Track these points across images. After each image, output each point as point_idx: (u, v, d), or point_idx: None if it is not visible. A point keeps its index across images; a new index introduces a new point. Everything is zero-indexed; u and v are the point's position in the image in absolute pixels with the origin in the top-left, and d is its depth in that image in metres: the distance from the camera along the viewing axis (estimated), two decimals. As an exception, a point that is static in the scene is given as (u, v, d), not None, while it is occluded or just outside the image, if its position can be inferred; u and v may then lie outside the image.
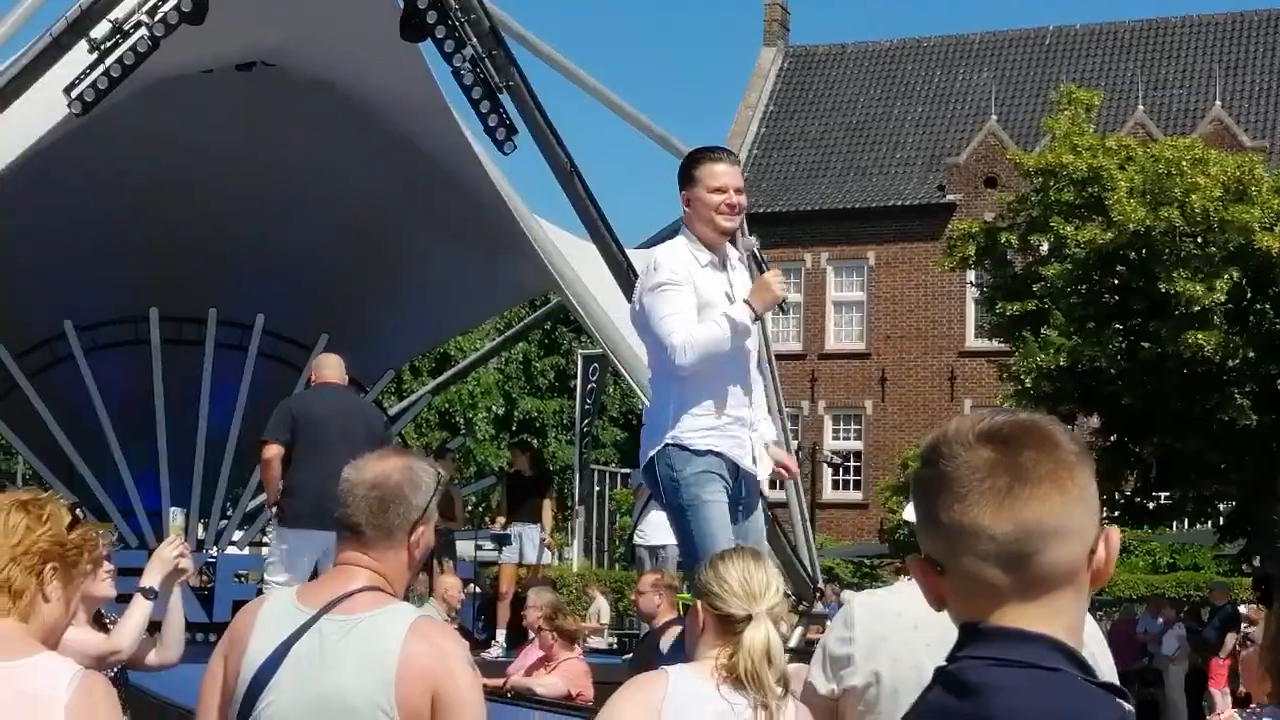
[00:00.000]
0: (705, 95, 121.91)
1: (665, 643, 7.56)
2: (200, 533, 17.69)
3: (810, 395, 41.86)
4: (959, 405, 40.25)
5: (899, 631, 3.62)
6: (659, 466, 5.85)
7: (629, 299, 12.93)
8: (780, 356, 37.78)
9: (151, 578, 5.55)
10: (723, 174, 6.07)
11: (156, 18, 10.79)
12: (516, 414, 45.40)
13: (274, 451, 9.56)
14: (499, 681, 10.66)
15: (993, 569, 1.80)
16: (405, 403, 23.29)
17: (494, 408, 44.68)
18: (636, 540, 15.92)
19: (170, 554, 5.57)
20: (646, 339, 6.01)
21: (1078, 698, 1.75)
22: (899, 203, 42.03)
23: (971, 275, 32.75)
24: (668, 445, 5.82)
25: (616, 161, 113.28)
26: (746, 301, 5.88)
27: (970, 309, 39.75)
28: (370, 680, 3.26)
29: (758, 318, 5.92)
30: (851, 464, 41.16)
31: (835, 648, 3.73)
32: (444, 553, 14.76)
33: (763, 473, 6.07)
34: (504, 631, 14.67)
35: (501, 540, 15.26)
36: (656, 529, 15.73)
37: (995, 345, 31.46)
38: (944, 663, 1.83)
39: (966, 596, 1.84)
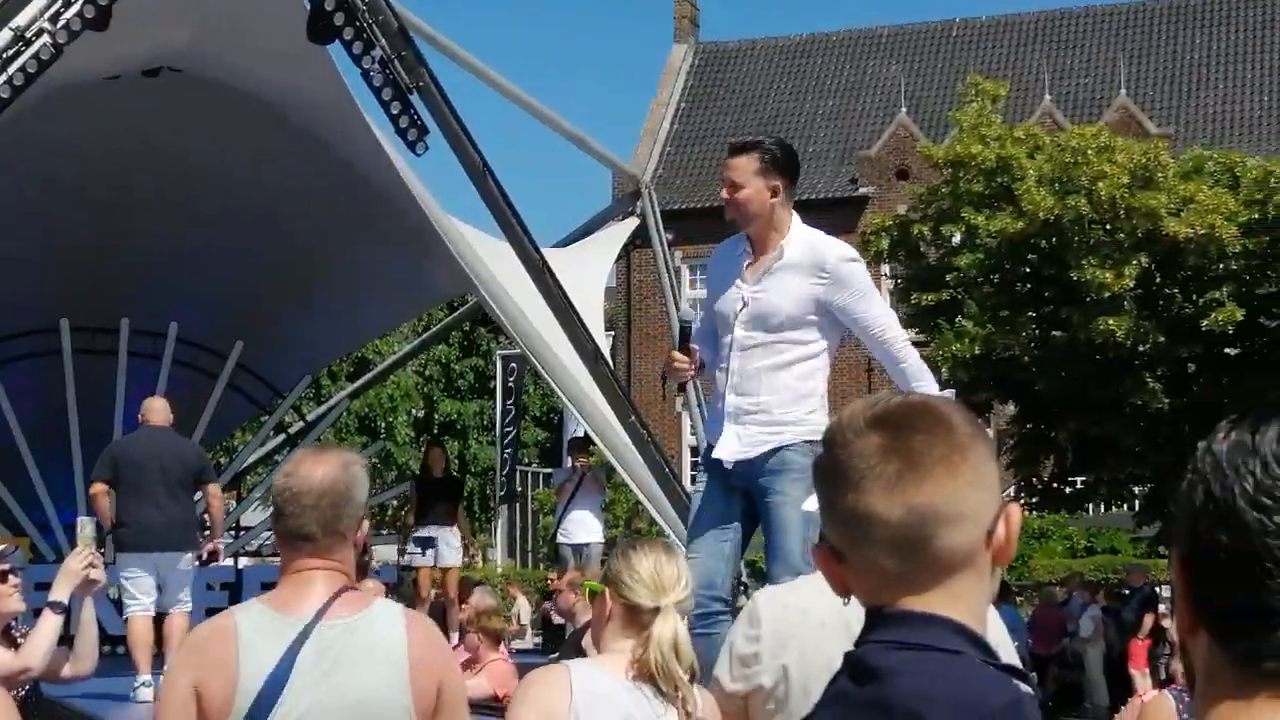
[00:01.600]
0: (618, 93, 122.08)
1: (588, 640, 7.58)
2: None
3: (729, 390, 41.93)
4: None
5: (805, 628, 3.60)
6: None
7: (545, 297, 12.96)
8: (698, 352, 37.87)
9: (60, 591, 5.47)
10: (725, 167, 6.15)
11: (59, 24, 10.67)
12: (437, 416, 45.25)
13: (98, 489, 10.83)
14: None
15: (889, 556, 1.79)
16: (324, 408, 23.14)
17: (414, 410, 44.49)
18: (560, 539, 15.94)
19: (77, 566, 5.49)
20: None
21: (977, 679, 1.74)
22: (813, 196, 42.17)
23: (886, 268, 32.98)
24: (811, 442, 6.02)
25: (530, 161, 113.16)
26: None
27: (887, 300, 39.96)
28: (387, 678, 3.26)
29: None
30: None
31: (742, 646, 3.70)
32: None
33: (724, 453, 6.03)
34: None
35: (425, 543, 15.21)
36: (579, 527, 15.78)
37: (912, 335, 31.66)
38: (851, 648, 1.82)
39: (868, 583, 1.83)
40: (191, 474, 11.06)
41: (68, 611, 5.51)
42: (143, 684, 10.19)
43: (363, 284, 17.79)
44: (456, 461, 44.54)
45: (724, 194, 6.08)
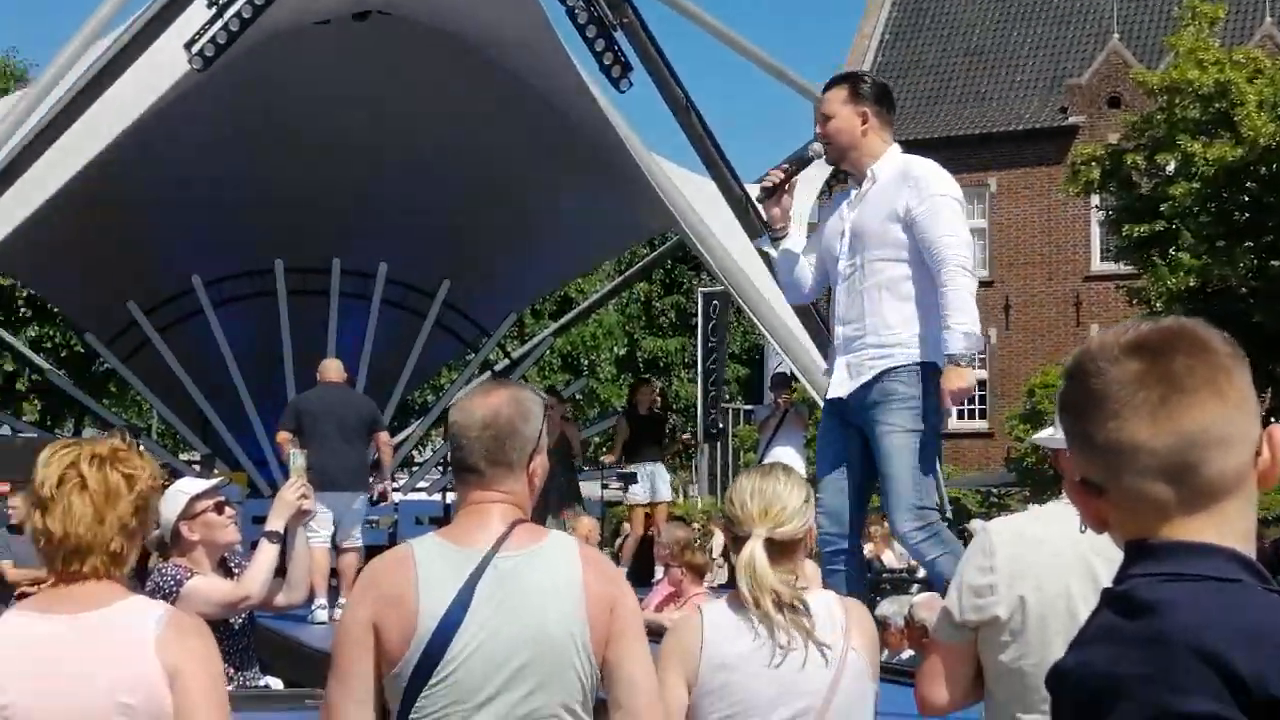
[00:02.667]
0: (821, 26, 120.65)
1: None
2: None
3: (933, 325, 41.46)
4: (1085, 331, 39.66)
5: (1042, 558, 3.56)
6: None
7: (749, 234, 12.87)
8: (902, 287, 37.48)
9: (275, 521, 5.61)
10: (818, 105, 6.21)
11: (271, -30, 10.85)
12: (639, 354, 45.48)
13: (283, 437, 11.96)
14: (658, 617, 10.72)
15: (1157, 484, 1.72)
16: (528, 346, 23.39)
17: (616, 348, 44.79)
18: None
19: (291, 496, 5.63)
20: None
21: (1263, 608, 1.65)
22: (1019, 127, 41.35)
23: (1096, 199, 32.20)
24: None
25: (733, 96, 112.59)
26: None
27: (1095, 233, 39.10)
28: (565, 609, 3.26)
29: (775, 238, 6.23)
30: (976, 393, 40.75)
31: (974, 577, 3.65)
32: (570, 495, 14.85)
33: (837, 391, 6.00)
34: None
35: (628, 478, 15.31)
36: (784, 459, 15.73)
37: (1122, 269, 30.98)
38: (1110, 585, 1.75)
39: (1131, 515, 1.75)
40: (365, 423, 12.23)
41: (283, 540, 5.64)
42: (319, 606, 10.85)
43: (566, 222, 17.91)
44: (659, 398, 44.80)
45: (816, 129, 6.12)
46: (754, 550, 3.76)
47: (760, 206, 6.33)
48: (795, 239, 6.24)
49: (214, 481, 5.95)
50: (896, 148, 6.14)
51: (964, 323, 5.73)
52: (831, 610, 3.82)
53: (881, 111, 6.08)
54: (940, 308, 5.77)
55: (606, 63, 11.66)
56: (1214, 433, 1.72)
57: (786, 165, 6.15)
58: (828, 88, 6.18)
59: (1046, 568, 3.52)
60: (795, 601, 3.73)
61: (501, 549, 3.29)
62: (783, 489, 3.87)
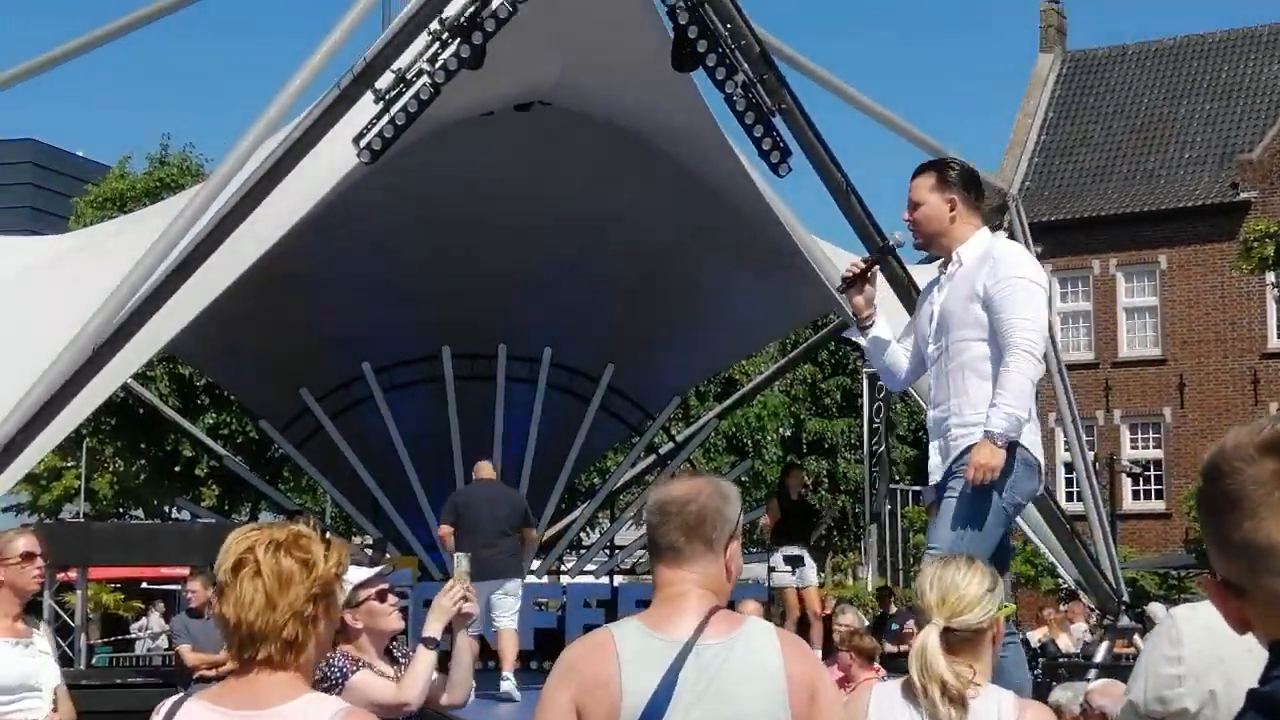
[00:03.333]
0: (983, 106, 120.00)
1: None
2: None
3: (1105, 404, 40.73)
4: (1264, 409, 38.66)
5: (1234, 650, 3.46)
6: None
7: (910, 315, 12.82)
8: (1071, 366, 36.86)
9: (433, 626, 5.56)
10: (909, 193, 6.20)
11: (437, 65, 11.10)
12: (805, 435, 45.30)
13: (444, 531, 13.33)
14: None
15: None
16: (693, 428, 23.44)
17: (781, 429, 44.65)
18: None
19: (448, 602, 5.57)
20: None
21: None
22: (1190, 203, 40.67)
23: (1271, 275, 31.47)
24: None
25: (891, 178, 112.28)
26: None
27: (1271, 309, 38.24)
28: (768, 696, 3.27)
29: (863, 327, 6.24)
30: (1152, 473, 39.89)
31: (1162, 667, 3.58)
32: None
33: (934, 478, 5.98)
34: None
35: (795, 562, 15.26)
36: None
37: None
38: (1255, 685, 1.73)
39: (1272, 616, 1.74)
40: (519, 516, 13.57)
41: (437, 644, 5.58)
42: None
43: (729, 305, 17.97)
44: (825, 479, 44.53)
45: (904, 215, 6.13)
46: (926, 639, 3.77)
47: (841, 298, 6.34)
48: (883, 327, 6.24)
49: (377, 569, 6.01)
50: (985, 231, 6.15)
51: (1011, 404, 5.71)
52: (1002, 708, 3.77)
53: (969, 198, 6.10)
54: (996, 386, 5.78)
55: (765, 148, 11.72)
56: None
57: (867, 256, 6.21)
58: (916, 175, 6.21)
59: (1237, 661, 3.37)
60: (961, 694, 3.71)
61: (702, 636, 3.30)
62: (961, 578, 3.86)
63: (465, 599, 5.60)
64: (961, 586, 3.83)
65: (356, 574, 5.91)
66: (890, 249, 6.24)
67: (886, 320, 6.28)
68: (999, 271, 5.89)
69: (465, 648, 5.92)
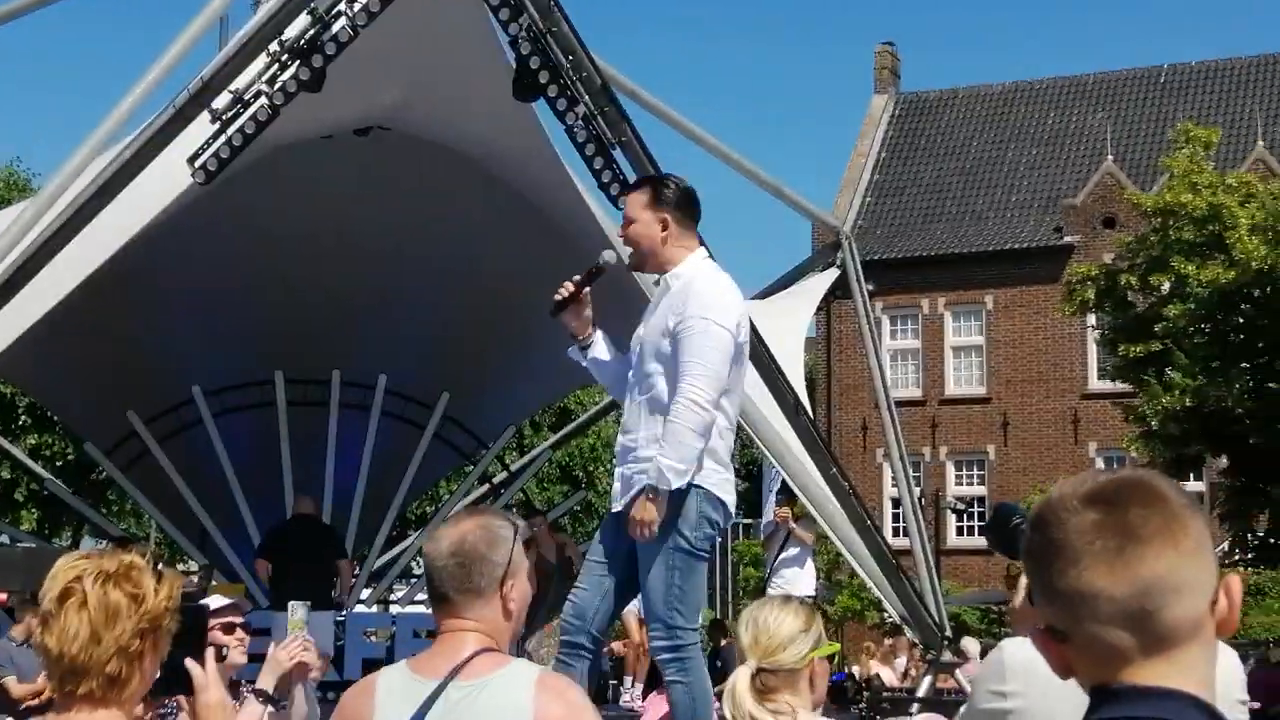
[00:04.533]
0: (817, 144, 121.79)
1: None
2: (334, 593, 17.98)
3: (931, 441, 41.50)
4: (1083, 448, 39.70)
5: (1060, 683, 3.51)
6: None
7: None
8: (900, 403, 37.47)
9: (266, 679, 5.35)
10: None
11: (275, 87, 11.00)
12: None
13: (262, 565, 14.82)
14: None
15: (1116, 631, 1.78)
16: (527, 458, 23.40)
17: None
18: (770, 591, 15.84)
19: (284, 656, 5.37)
20: None
21: None
22: (1016, 245, 41.68)
23: (1092, 318, 32.38)
24: None
25: (730, 213, 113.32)
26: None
27: (1092, 351, 39.27)
28: None
29: (583, 347, 6.14)
30: (975, 509, 40.72)
31: (987, 701, 3.61)
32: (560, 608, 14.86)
33: (617, 505, 5.90)
34: (635, 680, 14.81)
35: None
36: (792, 580, 15.66)
37: (1119, 387, 31.06)
38: None
39: (1094, 661, 1.81)
40: (332, 549, 14.96)
41: (273, 701, 5.37)
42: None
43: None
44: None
45: (619, 231, 6.05)
46: (735, 679, 3.86)
47: (558, 318, 6.14)
48: (600, 347, 6.14)
49: (229, 601, 5.89)
50: (699, 256, 5.97)
51: (670, 459, 5.60)
52: None
53: (683, 218, 5.94)
54: (665, 435, 5.66)
55: (605, 180, 11.76)
56: (1170, 580, 1.77)
57: (578, 276, 6.05)
58: (630, 190, 6.09)
59: (1062, 692, 3.44)
60: None
61: (458, 678, 3.33)
62: (773, 619, 3.92)
63: (305, 649, 5.42)
64: (773, 627, 3.89)
65: (213, 600, 5.82)
66: (599, 269, 6.10)
67: (604, 338, 6.18)
68: (686, 309, 5.73)
69: (301, 707, 5.71)
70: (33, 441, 30.35)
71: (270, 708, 5.37)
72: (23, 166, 36.22)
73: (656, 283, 6.01)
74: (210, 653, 3.20)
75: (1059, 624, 1.82)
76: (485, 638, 3.42)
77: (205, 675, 3.16)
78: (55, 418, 26.20)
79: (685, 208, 5.97)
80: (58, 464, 29.82)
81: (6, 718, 11.17)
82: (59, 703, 2.98)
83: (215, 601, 5.76)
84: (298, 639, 5.45)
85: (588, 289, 6.07)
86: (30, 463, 24.12)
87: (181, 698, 5.38)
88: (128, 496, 21.79)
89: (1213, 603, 1.80)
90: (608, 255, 6.11)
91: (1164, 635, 1.77)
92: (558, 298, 6.09)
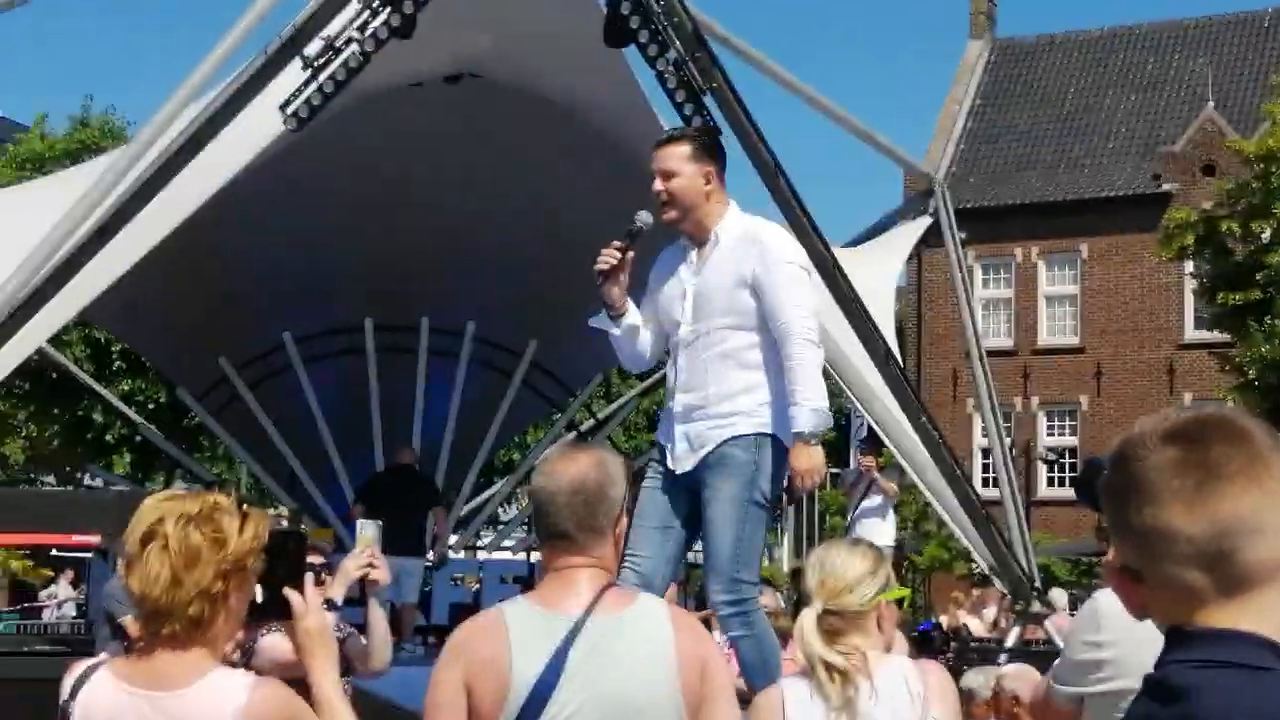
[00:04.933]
0: (911, 91, 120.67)
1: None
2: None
3: (1023, 391, 41.13)
4: (1178, 399, 39.19)
5: (1154, 632, 3.48)
6: None
7: (836, 297, 12.86)
8: (991, 352, 37.13)
9: (335, 590, 5.48)
10: (653, 159, 5.90)
11: (367, 33, 10.98)
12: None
13: (355, 511, 14.51)
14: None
15: (1191, 571, 1.74)
16: (614, 405, 23.43)
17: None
18: (851, 541, 15.79)
19: (352, 566, 5.49)
20: None
21: None
22: (1112, 193, 41.09)
23: (1189, 266, 31.87)
24: None
25: (821, 158, 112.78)
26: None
27: (1189, 300, 38.70)
28: (656, 673, 3.27)
29: (615, 317, 5.94)
30: (1067, 460, 40.36)
31: (1082, 652, 3.63)
32: None
33: (681, 466, 5.75)
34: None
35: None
36: (869, 529, 15.59)
37: (1216, 336, 30.61)
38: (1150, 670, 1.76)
39: (1168, 602, 1.77)
40: (428, 498, 15.27)
41: (337, 608, 5.47)
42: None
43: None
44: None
45: (656, 185, 5.84)
46: (802, 622, 3.83)
47: (601, 289, 5.96)
48: (634, 312, 6.04)
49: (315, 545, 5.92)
50: (735, 206, 5.92)
51: (811, 398, 5.53)
52: (908, 679, 3.80)
53: (722, 171, 5.90)
54: (788, 382, 5.57)
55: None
56: (1250, 521, 1.72)
57: (618, 243, 5.92)
58: (667, 143, 5.93)
59: (1157, 643, 3.43)
60: (847, 671, 3.74)
61: (593, 613, 3.30)
62: (841, 561, 3.90)
63: (372, 565, 5.52)
64: (840, 569, 3.87)
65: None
66: (639, 231, 5.99)
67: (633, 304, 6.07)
68: (768, 257, 5.68)
69: (376, 616, 5.87)
70: (126, 387, 30.72)
71: (337, 614, 5.46)
72: (118, 115, 36.53)
73: (691, 240, 5.88)
74: (309, 578, 3.20)
75: (1134, 563, 1.79)
76: (604, 573, 3.40)
77: (304, 602, 3.16)
78: (148, 363, 26.49)
79: (723, 160, 5.94)
80: (150, 409, 30.18)
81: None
82: (146, 643, 3.00)
83: None
84: (366, 553, 5.58)
85: (631, 254, 5.94)
86: (124, 407, 24.46)
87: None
88: (220, 442, 22.02)
89: None
90: (643, 216, 5.98)
91: (1241, 577, 1.73)
92: (604, 266, 5.91)
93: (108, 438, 32.13)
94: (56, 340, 20.60)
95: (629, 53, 11.93)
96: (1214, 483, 1.73)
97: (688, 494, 5.76)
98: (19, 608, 30.22)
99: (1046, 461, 39.45)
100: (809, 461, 5.56)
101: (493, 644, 3.29)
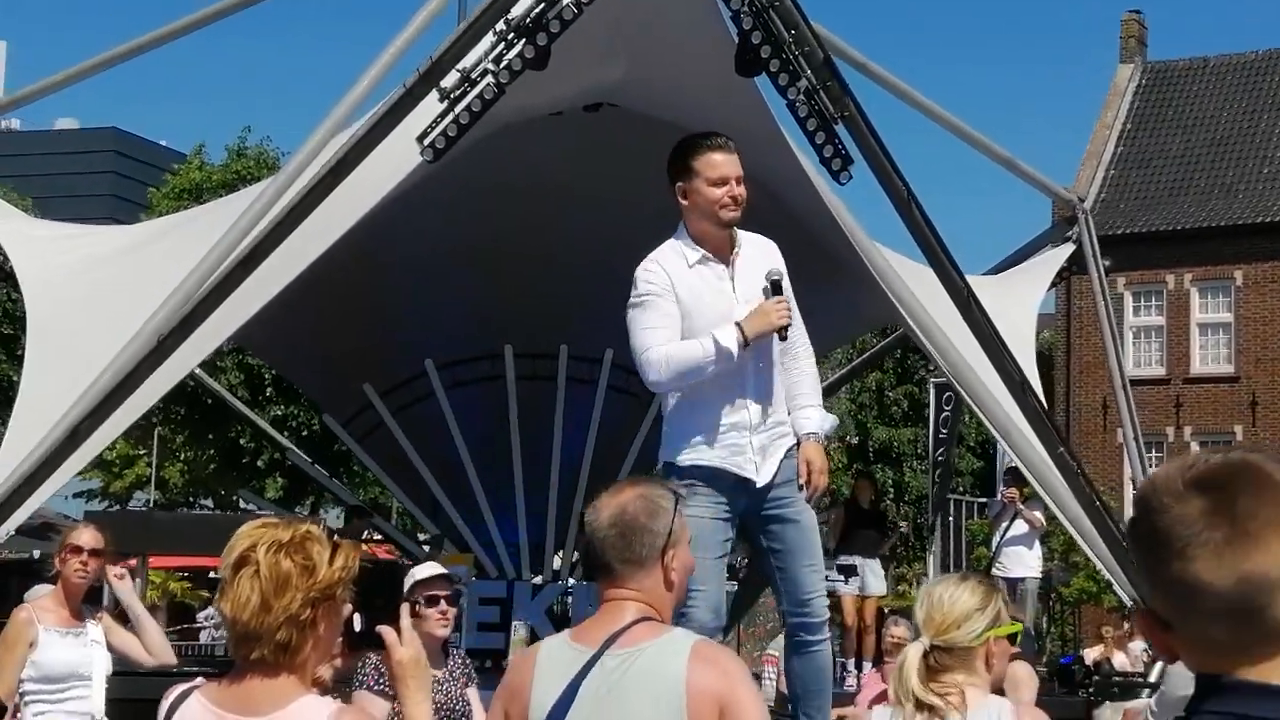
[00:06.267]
0: (1059, 116, 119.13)
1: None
2: (556, 563, 18.22)
3: (1175, 421, 40.33)
4: (1338, 430, 38.21)
5: None
6: None
7: (970, 326, 12.79)
8: (1143, 381, 36.54)
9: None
10: (722, 164, 5.95)
11: (502, 65, 11.18)
12: (870, 443, 45.12)
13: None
14: (843, 711, 10.65)
15: (1221, 626, 1.70)
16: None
17: (848, 437, 44.49)
18: (995, 572, 15.62)
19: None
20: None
21: None
22: (1268, 219, 40.20)
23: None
24: (665, 464, 5.78)
25: (961, 186, 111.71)
26: (739, 324, 5.73)
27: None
28: (661, 710, 3.29)
29: (747, 343, 5.73)
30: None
31: (1183, 689, 3.57)
32: None
33: (763, 477, 5.74)
34: (856, 660, 14.75)
35: (848, 571, 15.24)
36: (1014, 560, 15.43)
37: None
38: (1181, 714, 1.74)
39: (1198, 652, 1.74)
40: None
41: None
42: None
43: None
44: (891, 489, 44.34)
45: (736, 190, 5.93)
46: (906, 655, 3.84)
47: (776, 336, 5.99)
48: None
49: (436, 571, 5.98)
50: None
51: (819, 399, 5.87)
52: (1002, 717, 3.79)
53: None
54: (811, 385, 5.81)
55: (827, 155, 11.71)
56: (1278, 576, 1.68)
57: (773, 299, 5.95)
58: (725, 149, 6.03)
59: None
60: (936, 708, 3.74)
61: (613, 646, 3.37)
62: (949, 596, 3.89)
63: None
64: (947, 604, 3.86)
65: (422, 570, 5.95)
66: (778, 285, 6.05)
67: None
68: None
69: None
70: (279, 412, 31.40)
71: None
72: (273, 145, 37.42)
73: (710, 252, 5.99)
74: (405, 609, 3.29)
75: (1163, 613, 1.75)
76: (646, 607, 3.45)
77: (395, 636, 3.25)
78: (299, 390, 27.06)
79: None
80: (303, 434, 30.82)
81: None
82: (237, 668, 3.09)
83: (424, 571, 5.90)
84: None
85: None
86: (273, 431, 24.98)
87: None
88: (365, 467, 22.39)
89: None
90: (773, 271, 6.07)
91: (1271, 633, 1.68)
92: (787, 321, 5.93)
93: (259, 463, 32.85)
94: (211, 367, 21.15)
95: (760, 81, 12.00)
96: (1242, 537, 1.68)
97: (736, 519, 5.78)
98: (178, 628, 30.95)
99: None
100: (824, 459, 5.77)
101: (523, 674, 3.46)
